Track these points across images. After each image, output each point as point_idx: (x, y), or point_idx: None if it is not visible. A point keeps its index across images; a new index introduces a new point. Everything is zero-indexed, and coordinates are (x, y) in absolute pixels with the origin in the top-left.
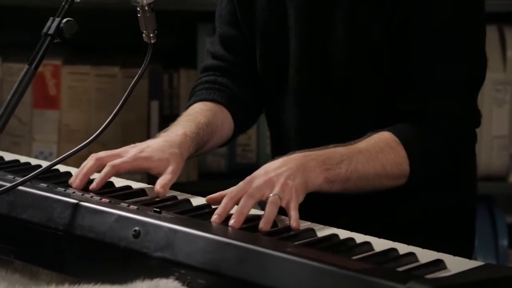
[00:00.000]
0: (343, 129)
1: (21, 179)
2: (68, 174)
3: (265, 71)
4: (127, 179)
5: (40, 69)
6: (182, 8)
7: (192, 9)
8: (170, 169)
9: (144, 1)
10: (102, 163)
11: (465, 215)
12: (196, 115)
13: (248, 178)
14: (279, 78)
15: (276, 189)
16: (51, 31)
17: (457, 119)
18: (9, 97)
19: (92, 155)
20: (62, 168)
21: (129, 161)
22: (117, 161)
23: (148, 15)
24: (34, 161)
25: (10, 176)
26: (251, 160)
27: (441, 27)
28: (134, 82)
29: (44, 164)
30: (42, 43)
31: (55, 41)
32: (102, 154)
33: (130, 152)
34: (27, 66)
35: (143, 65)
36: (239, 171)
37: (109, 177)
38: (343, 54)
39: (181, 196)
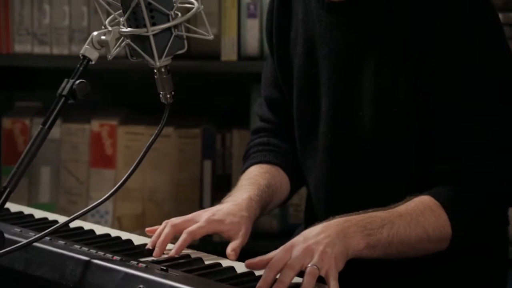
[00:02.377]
0: (373, 188)
1: (35, 236)
2: (91, 232)
3: (300, 129)
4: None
5: (97, 129)
6: (236, 70)
7: (246, 71)
8: (240, 232)
9: (158, 63)
10: (178, 230)
11: (495, 280)
12: (256, 178)
13: (287, 245)
14: (311, 135)
15: (315, 259)
16: (64, 92)
17: (493, 176)
18: (22, 156)
19: (167, 221)
20: (86, 225)
21: (204, 225)
22: (193, 227)
23: (164, 76)
24: (61, 219)
25: (32, 233)
26: (302, 220)
27: (467, 84)
28: (154, 137)
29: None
30: (56, 104)
31: (69, 101)
32: (176, 220)
33: (203, 216)
34: (40, 126)
35: (160, 124)
36: (291, 232)
37: (187, 244)
38: (371, 114)
39: (195, 254)
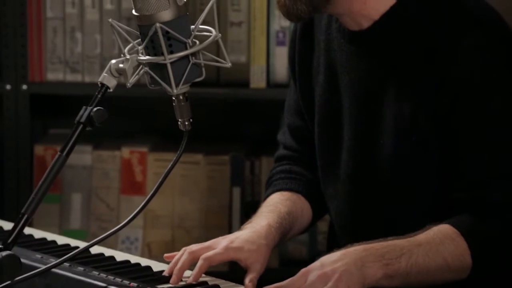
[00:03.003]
0: (394, 216)
1: (53, 262)
2: (111, 258)
3: (321, 157)
4: None
5: (128, 156)
6: (265, 97)
7: (275, 98)
8: (258, 261)
9: (175, 91)
10: (195, 256)
11: None
12: (276, 205)
13: (304, 270)
14: (332, 164)
15: (329, 285)
16: (82, 120)
17: None
18: (40, 182)
19: (185, 248)
20: (107, 252)
21: (221, 252)
22: (210, 253)
23: (183, 104)
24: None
25: (52, 260)
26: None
27: (491, 112)
28: (171, 165)
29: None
30: (74, 131)
31: (87, 128)
32: (194, 247)
33: (221, 243)
34: (58, 153)
35: (179, 151)
36: None
37: (204, 270)
38: (391, 143)
39: (212, 281)
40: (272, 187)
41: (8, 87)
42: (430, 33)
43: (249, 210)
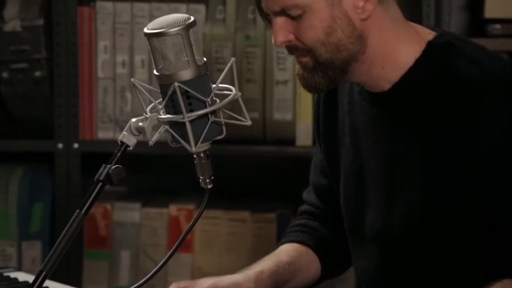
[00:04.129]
0: (419, 278)
1: None
2: None
3: (347, 218)
4: None
5: (175, 213)
6: (311, 155)
7: None
8: None
9: (193, 149)
10: None
11: None
12: (278, 255)
13: None
14: (358, 225)
15: None
16: (101, 178)
17: None
18: (58, 240)
19: (174, 283)
20: None
21: None
22: None
23: (204, 161)
24: None
25: None
26: None
27: None
28: (193, 222)
29: None
30: (93, 189)
31: (106, 186)
32: (182, 284)
33: (208, 282)
34: (77, 211)
35: (200, 208)
36: None
37: None
38: (417, 204)
39: None
40: (284, 238)
41: (60, 145)
42: (451, 92)
43: None
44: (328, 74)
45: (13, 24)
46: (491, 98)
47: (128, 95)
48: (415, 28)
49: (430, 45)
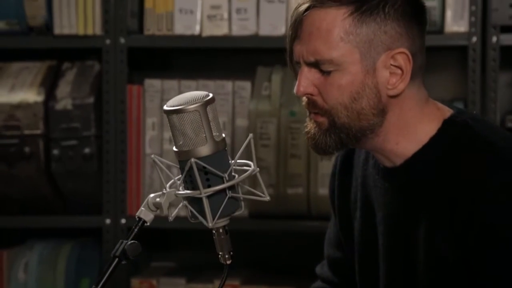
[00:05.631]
0: None
1: None
2: None
3: None
4: None
5: None
6: None
7: None
8: None
9: (210, 225)
10: None
11: None
12: None
13: None
14: None
15: None
16: (117, 253)
17: None
18: None
19: None
20: None
21: None
22: None
23: (222, 237)
24: None
25: None
26: None
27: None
28: None
29: None
30: (109, 264)
31: (122, 262)
32: None
33: None
34: (93, 286)
35: (219, 285)
36: None
37: None
38: (424, 276)
39: None
40: None
41: (107, 221)
42: (461, 173)
43: None
44: (340, 138)
45: (64, 103)
46: (499, 180)
47: (175, 170)
48: (437, 105)
49: (445, 124)
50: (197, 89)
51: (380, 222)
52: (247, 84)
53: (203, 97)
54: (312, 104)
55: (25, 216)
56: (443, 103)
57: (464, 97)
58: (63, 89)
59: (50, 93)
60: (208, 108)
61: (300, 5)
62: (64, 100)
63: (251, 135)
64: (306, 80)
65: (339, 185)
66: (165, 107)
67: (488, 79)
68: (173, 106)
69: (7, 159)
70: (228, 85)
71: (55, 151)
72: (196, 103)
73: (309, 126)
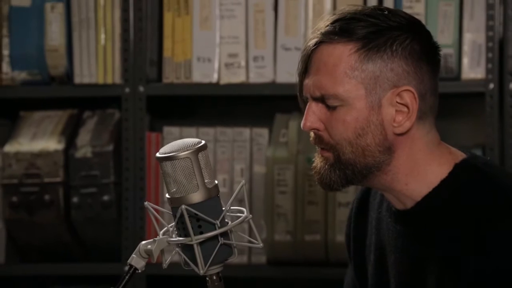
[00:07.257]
0: None
1: None
2: None
3: None
4: None
5: None
6: None
7: None
8: None
9: (201, 272)
10: None
11: None
12: None
13: None
14: None
15: None
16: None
17: None
18: None
19: None
20: None
21: None
22: None
23: (216, 284)
24: None
25: None
26: None
27: None
28: None
29: None
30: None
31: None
32: None
33: None
34: None
35: None
36: None
37: None
38: None
39: None
40: None
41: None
42: (470, 217)
43: None
44: (346, 174)
45: (84, 151)
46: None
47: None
48: (449, 149)
49: (456, 168)
50: (215, 136)
51: (392, 265)
52: (264, 131)
53: (194, 144)
54: (318, 139)
55: (45, 264)
56: (462, 149)
57: (482, 144)
58: (83, 137)
59: (71, 141)
60: (200, 155)
61: (310, 40)
62: (84, 148)
63: (243, 181)
64: (313, 115)
65: (354, 229)
66: (157, 154)
67: (506, 125)
68: (165, 153)
69: (28, 207)
70: (246, 132)
71: (75, 199)
72: (187, 150)
73: (316, 161)
